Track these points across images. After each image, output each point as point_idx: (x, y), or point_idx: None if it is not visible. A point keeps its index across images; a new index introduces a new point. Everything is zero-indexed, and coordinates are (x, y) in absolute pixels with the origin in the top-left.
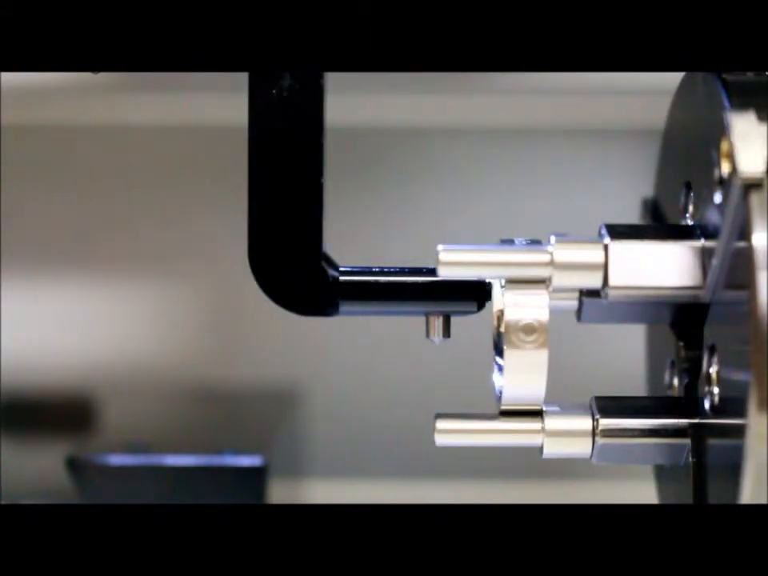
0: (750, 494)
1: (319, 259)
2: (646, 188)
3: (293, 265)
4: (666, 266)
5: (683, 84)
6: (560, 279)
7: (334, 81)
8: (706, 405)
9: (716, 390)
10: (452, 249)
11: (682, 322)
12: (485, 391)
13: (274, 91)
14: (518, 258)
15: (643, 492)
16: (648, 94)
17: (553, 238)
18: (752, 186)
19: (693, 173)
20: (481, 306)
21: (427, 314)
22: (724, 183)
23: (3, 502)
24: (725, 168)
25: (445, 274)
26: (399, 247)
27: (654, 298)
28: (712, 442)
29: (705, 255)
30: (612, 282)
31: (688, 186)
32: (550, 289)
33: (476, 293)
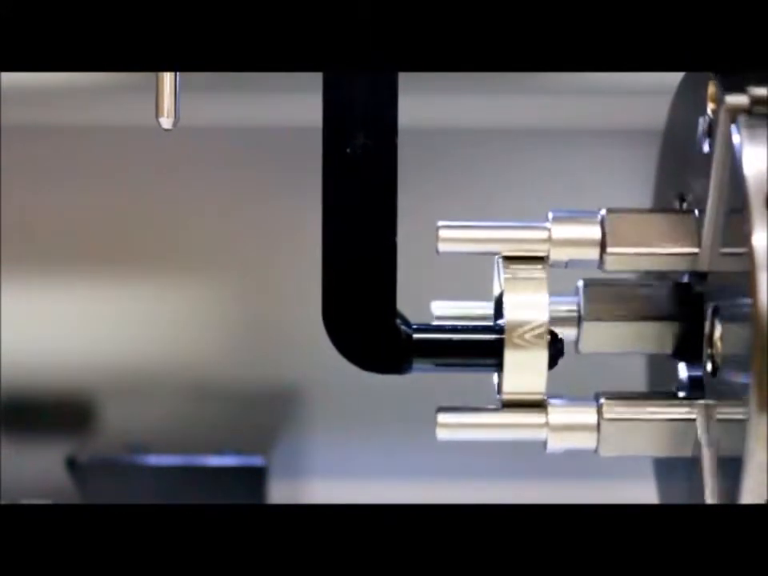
0: (750, 493)
1: (393, 318)
2: (645, 188)
3: (367, 324)
4: (661, 233)
5: (683, 84)
6: (558, 255)
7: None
8: (708, 367)
9: (719, 348)
10: (451, 225)
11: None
12: (487, 391)
13: (348, 150)
14: (516, 234)
15: (643, 492)
16: (648, 94)
17: (550, 215)
18: (738, 110)
19: (693, 173)
20: (553, 364)
21: (499, 372)
22: (713, 129)
23: (3, 502)
24: (711, 106)
25: (444, 249)
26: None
27: (651, 265)
28: (716, 424)
29: (699, 225)
30: (609, 249)
31: (690, 185)
32: (549, 264)
33: (549, 350)
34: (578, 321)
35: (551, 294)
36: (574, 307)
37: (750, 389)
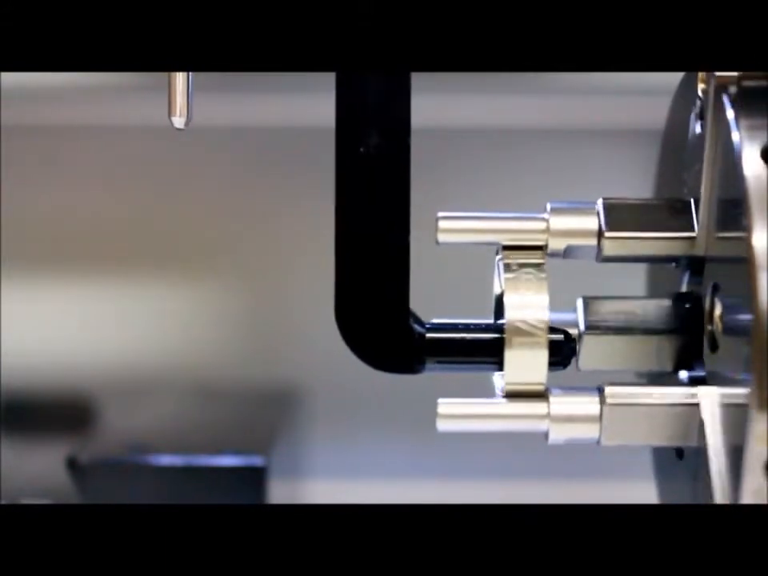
0: (750, 493)
1: (407, 317)
2: (646, 188)
3: (380, 323)
4: (658, 218)
5: (682, 84)
6: (556, 244)
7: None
8: (706, 344)
9: (719, 326)
10: (451, 216)
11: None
12: (487, 392)
13: (362, 149)
14: (514, 225)
15: (643, 492)
16: (648, 94)
17: (548, 206)
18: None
19: (690, 166)
20: (566, 363)
21: None
22: (704, 108)
23: (3, 502)
24: (701, 86)
25: (444, 240)
26: None
27: (649, 249)
28: (719, 409)
29: (696, 210)
30: (607, 233)
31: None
32: (547, 252)
33: (561, 349)
34: (578, 337)
35: (551, 311)
36: (574, 325)
37: (750, 389)
